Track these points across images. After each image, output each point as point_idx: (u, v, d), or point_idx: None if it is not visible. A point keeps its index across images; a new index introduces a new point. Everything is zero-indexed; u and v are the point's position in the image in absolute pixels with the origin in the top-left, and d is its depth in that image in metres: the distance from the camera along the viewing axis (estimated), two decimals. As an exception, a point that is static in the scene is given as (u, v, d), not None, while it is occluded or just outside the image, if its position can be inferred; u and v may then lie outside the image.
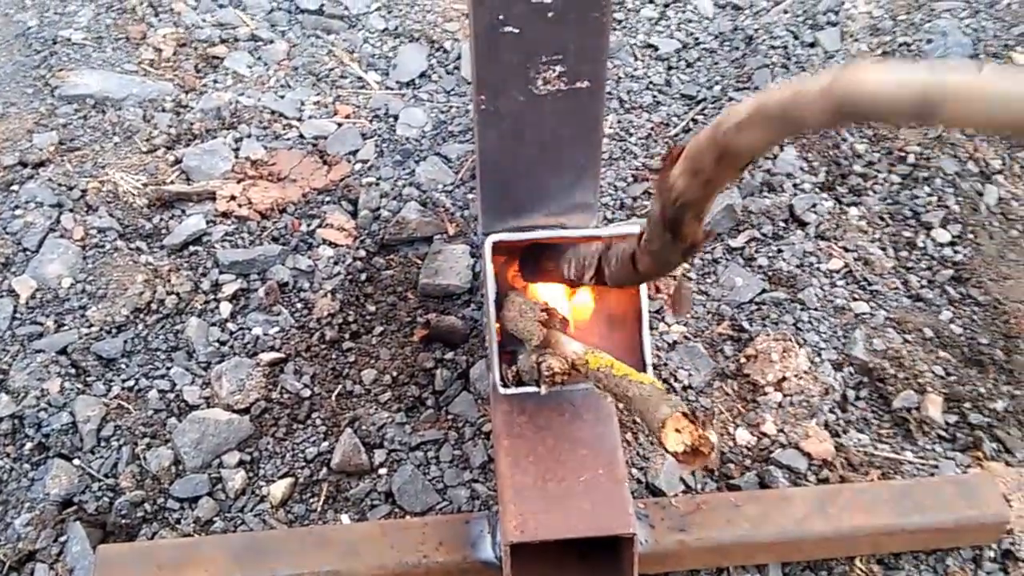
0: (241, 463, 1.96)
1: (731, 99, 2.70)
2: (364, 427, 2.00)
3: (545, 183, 1.70)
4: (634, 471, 1.93)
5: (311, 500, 1.91)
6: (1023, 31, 2.83)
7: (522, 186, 1.70)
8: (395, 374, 2.09)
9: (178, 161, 2.54)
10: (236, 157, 2.55)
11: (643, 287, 1.63)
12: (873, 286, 2.27)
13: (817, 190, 2.46)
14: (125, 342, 2.14)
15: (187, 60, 2.89)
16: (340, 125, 2.66)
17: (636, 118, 2.69)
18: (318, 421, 2.02)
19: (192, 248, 2.33)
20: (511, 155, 1.65)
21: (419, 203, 2.40)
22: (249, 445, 1.99)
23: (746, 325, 2.18)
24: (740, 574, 1.83)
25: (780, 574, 1.83)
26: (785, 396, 2.05)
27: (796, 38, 2.89)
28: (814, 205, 2.41)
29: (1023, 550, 1.84)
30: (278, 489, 1.91)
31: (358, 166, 2.54)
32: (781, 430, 2.00)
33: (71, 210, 2.38)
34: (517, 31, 1.44)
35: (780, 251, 2.33)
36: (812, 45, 2.87)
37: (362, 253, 2.30)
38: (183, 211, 2.41)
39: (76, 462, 1.96)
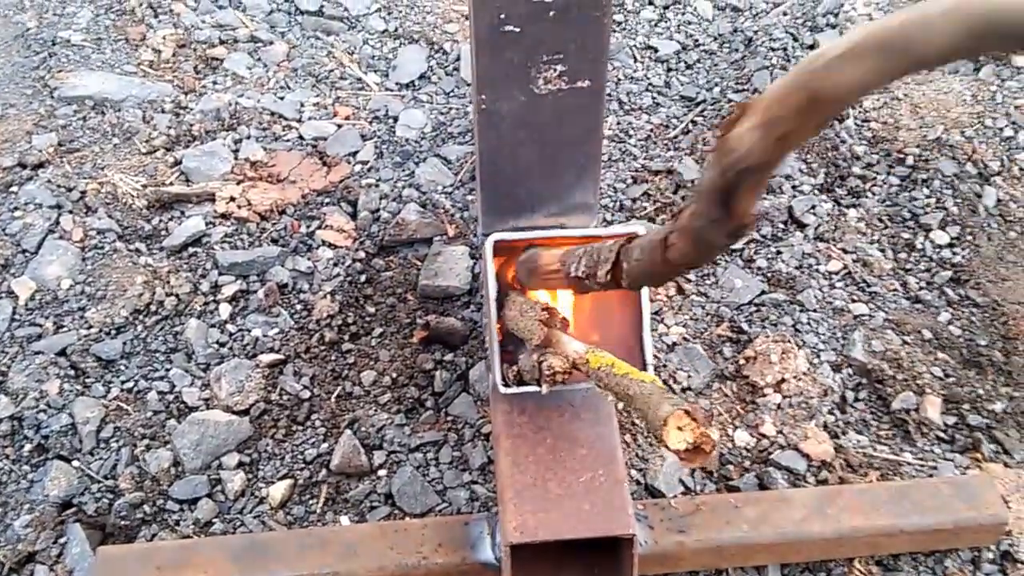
0: (240, 465, 1.96)
1: (730, 101, 2.71)
2: (363, 428, 2.00)
3: (545, 183, 1.70)
4: (633, 472, 1.93)
5: (310, 502, 1.91)
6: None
7: (522, 186, 1.70)
8: (394, 375, 2.09)
9: (177, 162, 2.54)
10: (235, 158, 2.55)
11: (644, 290, 1.63)
12: (872, 288, 2.28)
13: (816, 192, 2.47)
14: (124, 343, 2.14)
15: (186, 61, 2.89)
16: (340, 126, 2.66)
17: (635, 119, 2.69)
18: (317, 423, 2.02)
19: (191, 249, 2.33)
20: (511, 155, 1.65)
21: (419, 204, 2.40)
22: (248, 447, 1.99)
23: (745, 327, 2.18)
24: (739, 575, 1.83)
25: (779, 575, 1.83)
26: (784, 397, 2.06)
27: (795, 40, 2.89)
28: (813, 207, 2.41)
29: (1021, 551, 1.84)
30: (277, 491, 1.91)
31: (358, 167, 2.54)
32: (780, 431, 2.00)
33: (70, 211, 2.38)
34: (518, 30, 1.44)
35: (779, 253, 2.33)
36: (811, 47, 2.87)
37: (362, 254, 2.30)
38: (182, 212, 2.41)
39: (75, 464, 1.96)
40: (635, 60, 2.92)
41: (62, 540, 1.86)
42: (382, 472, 1.95)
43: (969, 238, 2.36)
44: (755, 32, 2.96)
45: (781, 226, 2.39)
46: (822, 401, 2.06)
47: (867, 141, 2.59)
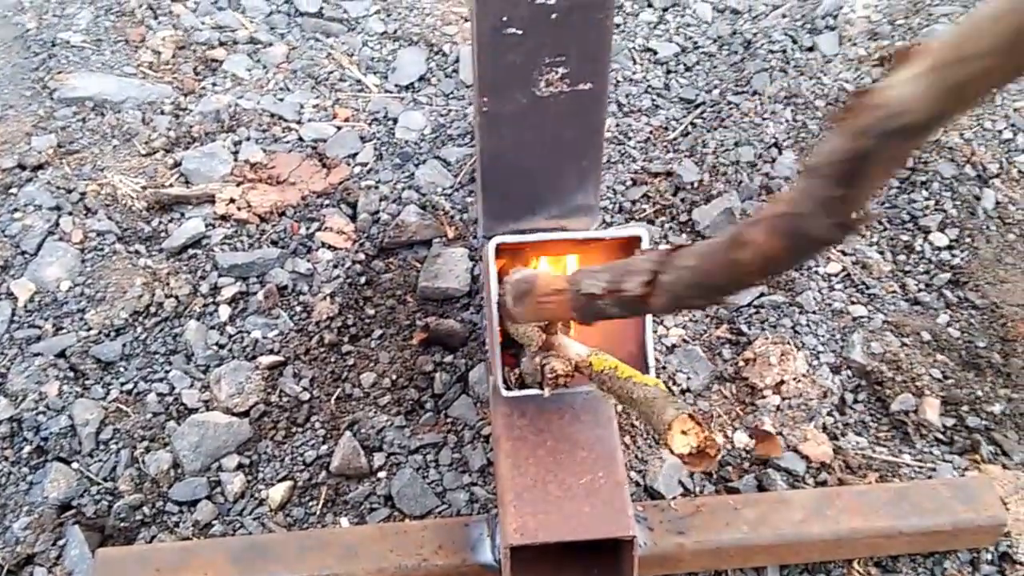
0: (240, 466, 1.96)
1: (730, 103, 2.71)
2: (363, 430, 2.00)
3: (547, 185, 1.70)
4: (633, 474, 1.93)
5: (310, 503, 1.91)
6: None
7: (523, 188, 1.71)
8: (394, 377, 2.09)
9: (177, 164, 2.54)
10: (235, 160, 2.55)
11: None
12: (871, 290, 2.28)
13: (815, 194, 2.46)
14: (124, 345, 2.14)
15: (186, 63, 2.90)
16: (339, 128, 2.66)
17: (635, 122, 2.70)
18: (317, 424, 2.02)
19: (191, 251, 2.33)
20: (513, 157, 1.65)
21: (418, 206, 2.40)
22: (248, 448, 1.99)
23: (744, 328, 2.19)
24: (739, 577, 1.83)
25: (779, 577, 1.83)
26: (783, 399, 2.06)
27: (794, 42, 2.90)
28: (812, 209, 2.41)
29: (1020, 553, 1.85)
30: (277, 492, 1.91)
31: (357, 169, 2.54)
32: (779, 433, 2.01)
33: (70, 213, 2.38)
34: (520, 33, 1.44)
35: (778, 255, 2.33)
36: (810, 49, 2.88)
37: (361, 256, 2.30)
38: (182, 214, 2.41)
39: (75, 465, 1.96)
40: (634, 62, 2.93)
41: (61, 542, 1.86)
42: (382, 474, 1.95)
43: (968, 240, 2.37)
44: (754, 34, 2.96)
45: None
46: (821, 403, 2.06)
47: (866, 143, 2.58)
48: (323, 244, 2.33)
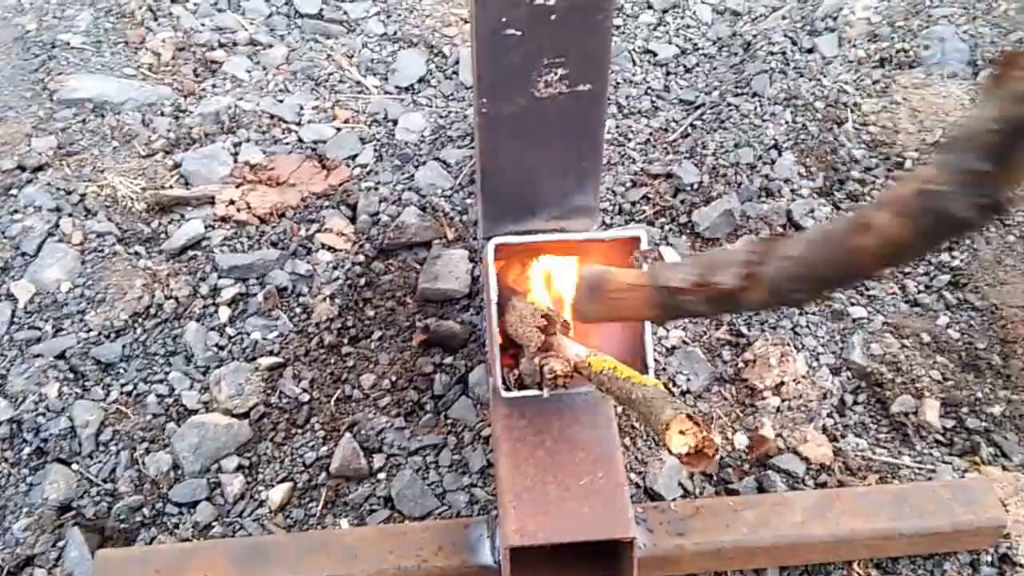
0: (240, 468, 1.96)
1: (730, 105, 2.71)
2: (363, 432, 2.00)
3: (546, 186, 1.70)
4: (633, 475, 1.93)
5: (310, 505, 1.91)
6: (1020, 37, 2.85)
7: (523, 190, 1.70)
8: (394, 379, 2.09)
9: (177, 165, 2.54)
10: (235, 161, 2.55)
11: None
12: (871, 291, 2.28)
13: (815, 195, 2.47)
14: (124, 347, 2.14)
15: (186, 64, 2.90)
16: (339, 130, 2.66)
17: (635, 123, 2.70)
18: (317, 426, 2.02)
19: (191, 252, 2.33)
20: (512, 158, 1.65)
21: (418, 208, 2.40)
22: (248, 450, 1.99)
23: (744, 330, 2.19)
24: (739, 578, 1.83)
25: (779, 578, 1.83)
26: (783, 401, 2.06)
27: (794, 44, 2.90)
28: (812, 210, 2.42)
29: (1020, 554, 1.85)
30: (277, 494, 1.91)
31: (357, 171, 2.54)
32: (779, 434, 2.01)
33: (70, 214, 2.38)
34: (519, 33, 1.44)
35: (778, 256, 2.33)
36: (810, 51, 2.88)
37: (361, 258, 2.30)
38: (182, 215, 2.41)
39: (75, 467, 1.96)
40: (634, 64, 2.93)
41: (61, 543, 1.86)
42: (381, 475, 1.95)
43: (967, 242, 2.37)
44: (754, 36, 2.96)
45: (780, 229, 2.39)
46: (821, 404, 2.06)
47: (866, 145, 2.59)
48: (323, 245, 2.33)
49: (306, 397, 2.06)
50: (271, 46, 2.97)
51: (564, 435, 1.68)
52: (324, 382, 2.09)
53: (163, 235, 2.37)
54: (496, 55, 1.48)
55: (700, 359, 2.13)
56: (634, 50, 2.97)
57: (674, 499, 1.89)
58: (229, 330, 2.18)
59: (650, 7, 3.16)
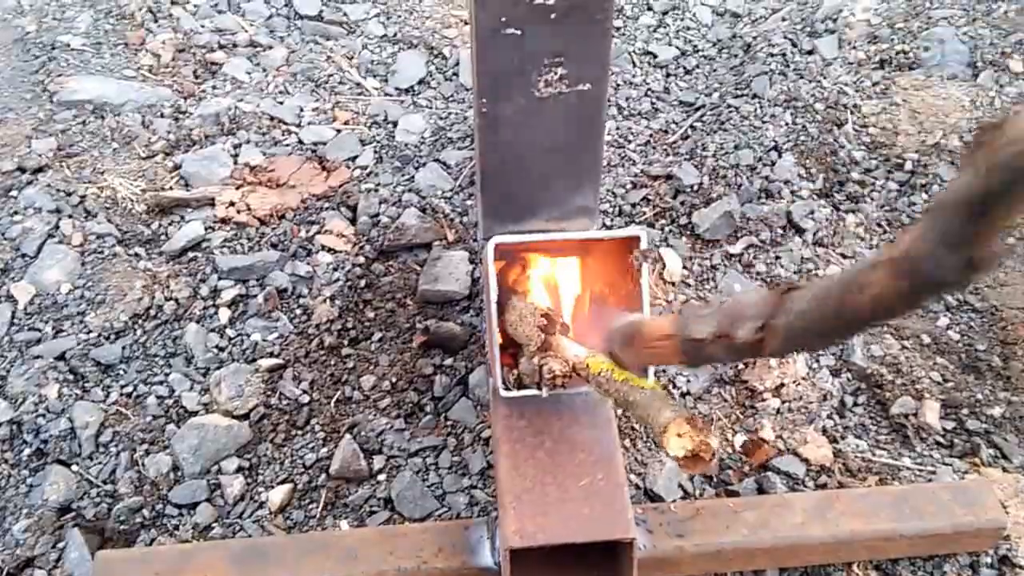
0: (240, 469, 1.96)
1: (729, 106, 2.71)
2: (363, 433, 2.00)
3: (546, 187, 1.70)
4: (632, 477, 1.93)
5: (310, 506, 1.91)
6: (1020, 38, 2.85)
7: (523, 190, 1.70)
8: (394, 380, 2.09)
9: (177, 167, 2.54)
10: (235, 163, 2.55)
11: (645, 294, 1.62)
12: (871, 292, 2.28)
13: (815, 197, 2.47)
14: (124, 348, 2.14)
15: (186, 66, 2.90)
16: (339, 131, 2.66)
17: (635, 125, 2.70)
18: (317, 427, 2.02)
19: (191, 254, 2.33)
20: (512, 159, 1.65)
21: (418, 209, 2.40)
22: (248, 451, 1.99)
23: (744, 331, 2.18)
24: (739, 580, 1.83)
25: (779, 580, 1.83)
26: (783, 402, 2.06)
27: (794, 45, 2.90)
28: (812, 212, 2.42)
29: (1020, 556, 1.84)
30: (277, 495, 1.90)
31: (357, 172, 2.54)
32: (779, 436, 2.01)
33: (70, 216, 2.38)
34: (519, 33, 1.44)
35: (778, 257, 2.33)
36: (810, 52, 2.88)
37: (361, 259, 2.30)
38: (182, 217, 2.41)
39: (75, 468, 1.96)
40: (634, 65, 2.93)
41: (61, 545, 1.86)
42: (382, 477, 1.95)
43: (967, 243, 2.36)
44: (754, 38, 2.96)
45: (780, 231, 2.39)
46: (821, 406, 2.06)
47: (866, 146, 2.59)
48: (323, 247, 2.33)
49: (306, 399, 2.06)
50: (271, 48, 2.97)
51: (564, 436, 1.68)
52: (324, 383, 2.09)
53: (163, 237, 2.37)
54: (496, 55, 1.48)
55: (700, 360, 2.12)
56: (634, 52, 2.97)
57: (674, 500, 1.88)
58: (229, 332, 2.17)
59: (650, 9, 3.16)
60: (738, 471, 1.96)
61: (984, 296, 2.27)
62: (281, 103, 2.75)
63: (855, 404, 2.09)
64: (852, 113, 2.65)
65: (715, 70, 2.90)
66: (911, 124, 2.62)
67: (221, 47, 2.97)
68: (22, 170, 2.51)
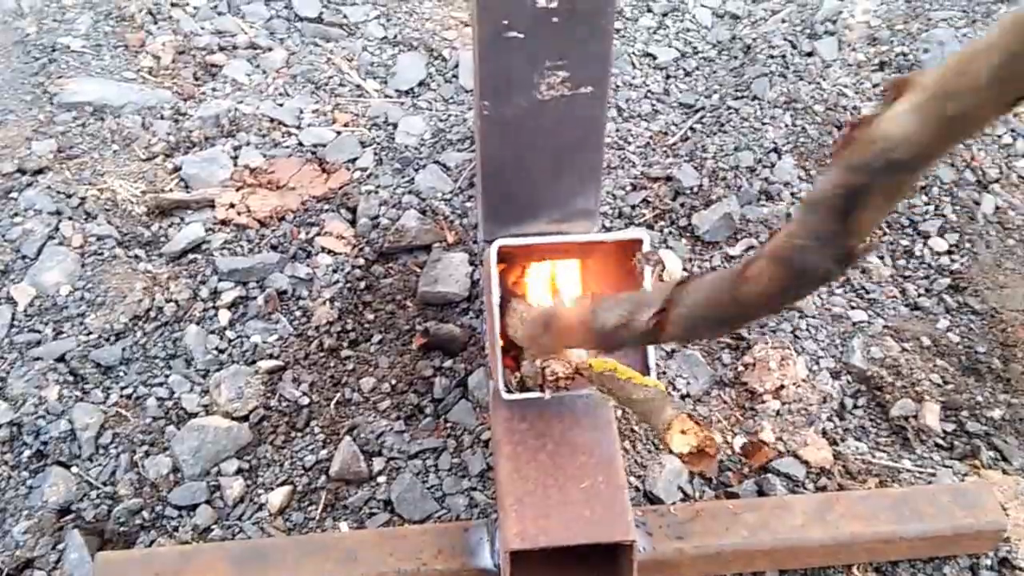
0: (240, 471, 1.96)
1: (729, 108, 2.71)
2: (363, 435, 2.00)
3: (547, 189, 1.70)
4: (632, 479, 1.93)
5: (310, 508, 1.91)
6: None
7: (524, 192, 1.71)
8: (394, 382, 2.09)
9: (177, 169, 2.54)
10: (235, 165, 2.55)
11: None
12: (871, 294, 2.28)
13: (815, 199, 2.47)
14: (123, 350, 2.14)
15: (186, 68, 2.90)
16: (339, 133, 2.66)
17: (634, 127, 2.70)
18: (317, 429, 2.02)
19: (191, 256, 2.33)
20: (513, 161, 1.65)
21: (418, 211, 2.40)
22: (248, 453, 1.99)
23: (744, 333, 2.19)
24: (739, 582, 1.83)
25: (779, 582, 1.83)
26: (783, 404, 2.06)
27: (794, 47, 2.90)
28: (812, 214, 2.41)
29: (1020, 558, 1.85)
30: (277, 497, 1.90)
31: (357, 174, 2.54)
32: (779, 438, 2.01)
33: (70, 218, 2.38)
34: (522, 36, 1.44)
35: (778, 259, 2.33)
36: (810, 54, 2.88)
37: (361, 261, 2.30)
38: (182, 219, 2.41)
39: (74, 470, 1.96)
40: (634, 67, 2.93)
41: (60, 546, 1.86)
42: (381, 478, 1.95)
43: (967, 245, 2.37)
44: (754, 39, 2.96)
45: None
46: (821, 408, 2.06)
47: (865, 148, 2.59)
48: (323, 249, 2.33)
49: (306, 400, 2.06)
50: (271, 49, 2.97)
51: (565, 439, 1.68)
52: (324, 385, 2.09)
53: (163, 238, 2.37)
54: (498, 58, 1.48)
55: (700, 362, 2.13)
56: (634, 53, 2.98)
57: (674, 503, 1.89)
58: (229, 333, 2.17)
59: (650, 10, 3.16)
60: (738, 473, 1.96)
61: (984, 298, 2.27)
62: (281, 105, 2.76)
63: (855, 406, 2.09)
64: (852, 115, 2.65)
65: (715, 72, 2.90)
66: (911, 126, 2.61)
67: (221, 49, 2.97)
68: (22, 172, 2.51)
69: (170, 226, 2.40)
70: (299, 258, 2.32)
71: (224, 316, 2.20)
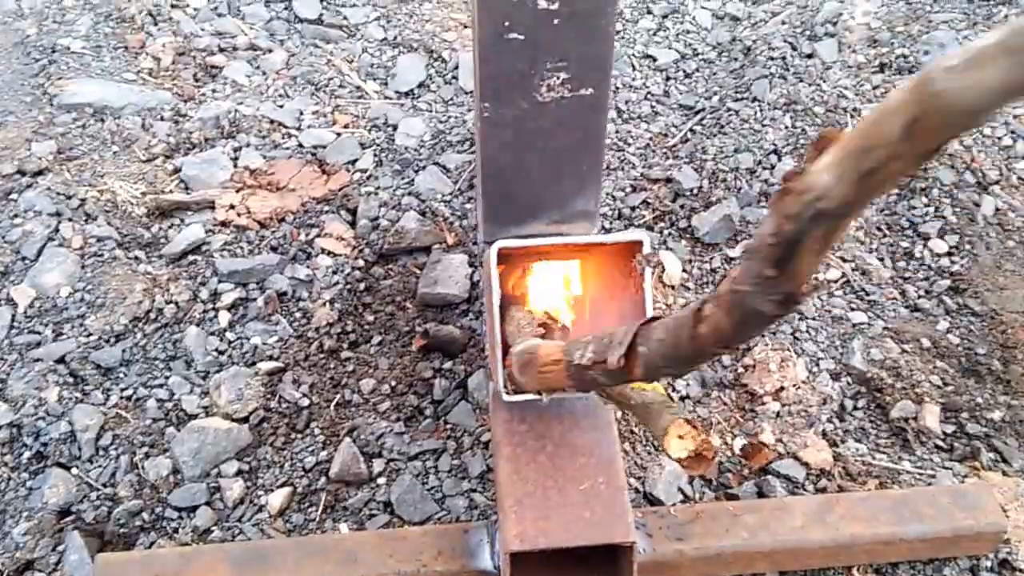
0: (240, 472, 1.96)
1: (729, 110, 2.71)
2: (363, 436, 2.00)
3: (547, 190, 1.70)
4: (632, 480, 1.93)
5: (310, 509, 1.91)
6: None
7: (524, 194, 1.71)
8: (394, 384, 2.09)
9: (177, 170, 2.54)
10: (235, 166, 2.55)
11: (648, 298, 1.63)
12: (871, 296, 2.28)
13: (814, 200, 2.47)
14: (124, 351, 2.14)
15: (186, 69, 2.90)
16: (339, 134, 2.66)
17: (634, 128, 2.70)
18: (316, 430, 2.02)
19: (191, 257, 2.33)
20: (513, 162, 1.65)
21: (418, 212, 2.40)
22: (248, 454, 1.99)
23: (744, 335, 2.18)
24: (739, 584, 1.83)
25: (779, 584, 1.83)
26: (783, 406, 2.06)
27: (794, 49, 2.90)
28: (811, 215, 2.41)
29: (1020, 560, 1.84)
30: (276, 498, 1.90)
31: (357, 175, 2.54)
32: (779, 439, 2.01)
33: (70, 219, 2.38)
34: (522, 38, 1.44)
35: (778, 261, 2.33)
36: (810, 56, 2.89)
37: (361, 263, 2.30)
38: (182, 220, 2.41)
39: (74, 471, 1.96)
40: (634, 69, 2.93)
41: (60, 547, 1.86)
42: (381, 480, 1.95)
43: (967, 247, 2.37)
44: (754, 41, 2.96)
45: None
46: (821, 409, 2.06)
47: (865, 150, 2.59)
48: (323, 250, 2.33)
49: (306, 402, 2.06)
50: (271, 51, 2.97)
51: (565, 440, 1.68)
52: (324, 387, 2.09)
53: (163, 240, 2.37)
54: (498, 59, 1.48)
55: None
56: (634, 55, 2.98)
57: (674, 504, 1.89)
58: (229, 335, 2.17)
59: (650, 12, 3.17)
60: (738, 475, 1.96)
61: (984, 300, 2.27)
62: (281, 106, 2.76)
63: (855, 408, 2.09)
64: (852, 116, 2.65)
65: (715, 73, 2.90)
66: (910, 128, 2.62)
67: (221, 50, 2.97)
68: (22, 173, 2.51)
69: (170, 227, 2.40)
70: (299, 259, 2.32)
71: (224, 317, 2.20)
